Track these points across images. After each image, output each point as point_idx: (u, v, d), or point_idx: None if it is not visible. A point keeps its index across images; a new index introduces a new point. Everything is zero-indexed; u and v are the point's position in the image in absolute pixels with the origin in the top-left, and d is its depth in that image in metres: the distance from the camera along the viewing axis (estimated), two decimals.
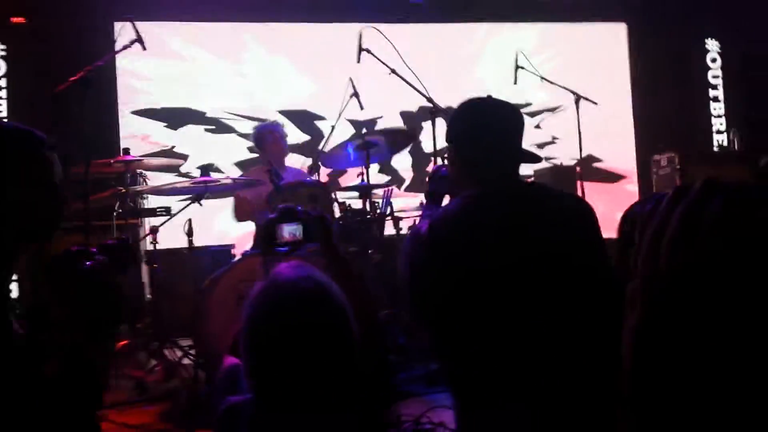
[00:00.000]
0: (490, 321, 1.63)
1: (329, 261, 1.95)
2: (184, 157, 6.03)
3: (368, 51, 4.18)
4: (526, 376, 1.61)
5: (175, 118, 6.28)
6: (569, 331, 1.62)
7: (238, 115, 6.40)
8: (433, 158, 4.33)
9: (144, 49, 3.87)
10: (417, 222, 2.21)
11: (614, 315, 1.68)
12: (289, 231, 2.06)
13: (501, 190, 1.78)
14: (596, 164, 6.94)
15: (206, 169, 3.86)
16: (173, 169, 5.71)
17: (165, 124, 6.26)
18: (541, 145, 6.88)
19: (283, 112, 6.34)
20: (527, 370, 1.61)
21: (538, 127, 6.91)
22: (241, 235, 5.10)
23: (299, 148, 6.30)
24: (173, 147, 6.21)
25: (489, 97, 1.93)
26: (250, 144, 5.51)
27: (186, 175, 5.79)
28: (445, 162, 2.05)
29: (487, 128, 1.83)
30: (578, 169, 5.04)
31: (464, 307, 1.65)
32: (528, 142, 1.94)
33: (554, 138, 6.91)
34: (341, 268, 1.91)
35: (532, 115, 6.86)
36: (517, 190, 1.83)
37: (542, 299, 1.63)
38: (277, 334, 1.36)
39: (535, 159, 1.97)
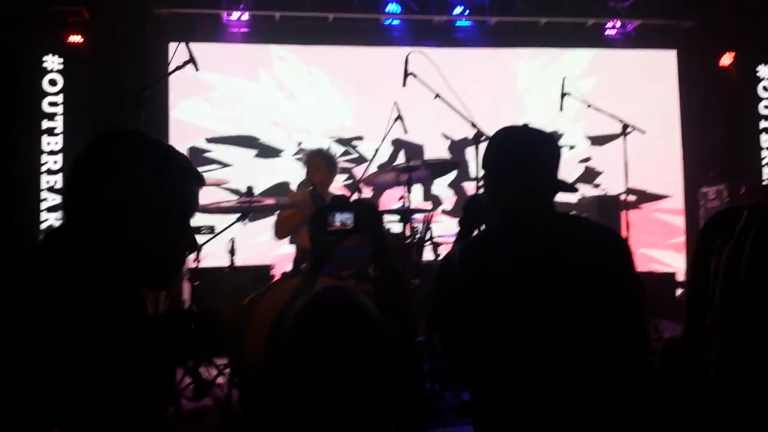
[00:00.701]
0: (517, 351, 1.63)
1: (376, 251, 1.99)
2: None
3: (414, 75, 4.22)
4: (550, 407, 1.60)
5: (226, 142, 6.43)
6: (594, 362, 1.62)
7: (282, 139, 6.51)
8: (476, 183, 4.32)
9: (197, 69, 3.97)
10: (450, 249, 2.22)
11: (636, 347, 1.68)
12: (341, 219, 2.08)
13: (533, 220, 1.78)
14: (642, 195, 6.82)
15: (251, 189, 3.93)
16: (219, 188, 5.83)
17: (215, 148, 6.40)
18: (586, 177, 6.81)
19: (333, 139, 6.43)
20: (552, 401, 1.60)
21: (585, 160, 6.85)
22: (280, 256, 5.16)
23: (344, 171, 6.36)
24: (224, 166, 6.33)
25: (525, 125, 1.93)
26: (298, 165, 5.59)
27: (236, 192, 5.89)
28: (481, 190, 2.05)
29: (522, 156, 1.83)
30: (624, 198, 4.96)
31: (490, 336, 1.65)
32: (574, 173, 1.94)
33: (596, 169, 6.82)
34: (388, 260, 1.93)
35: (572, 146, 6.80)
36: (550, 220, 1.81)
37: (569, 330, 1.62)
38: (313, 352, 1.39)
39: (571, 189, 1.95)
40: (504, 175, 1.84)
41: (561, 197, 1.90)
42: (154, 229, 1.25)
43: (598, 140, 6.79)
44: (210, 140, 6.39)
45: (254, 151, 6.47)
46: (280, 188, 6.30)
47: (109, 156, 1.26)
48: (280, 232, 4.57)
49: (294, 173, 6.32)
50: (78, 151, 1.27)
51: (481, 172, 1.95)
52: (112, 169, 1.24)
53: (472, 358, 1.71)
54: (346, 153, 6.53)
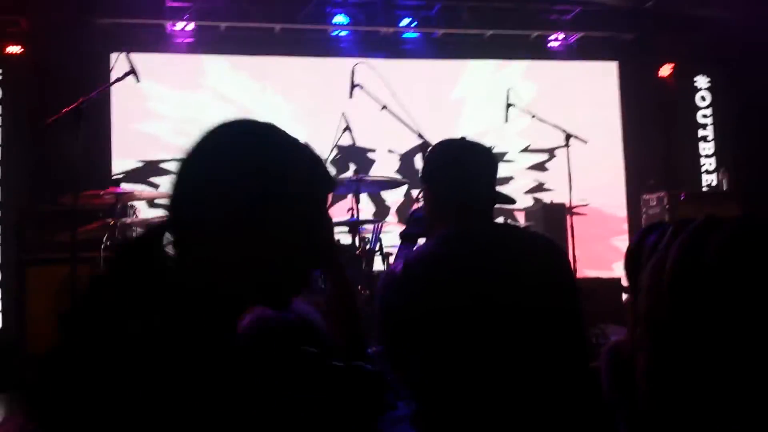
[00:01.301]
0: (462, 360, 1.65)
1: (326, 263, 1.98)
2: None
3: (360, 86, 4.23)
4: (495, 416, 1.62)
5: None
6: (536, 371, 1.64)
7: None
8: (416, 196, 4.37)
9: (138, 81, 3.90)
10: (393, 263, 2.23)
11: (580, 354, 1.72)
12: None
13: (474, 231, 1.80)
14: (586, 202, 6.98)
15: None
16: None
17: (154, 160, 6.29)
18: (534, 188, 6.93)
19: None
20: (497, 410, 1.62)
21: (532, 167, 6.97)
22: None
23: None
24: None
25: (463, 138, 1.96)
26: None
27: None
28: (421, 203, 2.08)
29: (460, 169, 1.86)
30: (568, 206, 5.06)
31: (435, 347, 1.66)
32: (521, 181, 1.98)
33: (541, 180, 6.96)
34: (338, 272, 1.87)
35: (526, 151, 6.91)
36: (489, 232, 1.85)
37: (513, 338, 1.64)
38: (261, 367, 1.40)
39: (509, 201, 1.98)
40: (442, 188, 1.87)
41: (508, 206, 1.94)
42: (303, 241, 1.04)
43: (542, 150, 6.92)
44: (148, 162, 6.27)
45: None
46: None
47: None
48: None
49: None
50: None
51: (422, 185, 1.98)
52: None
53: (415, 369, 1.72)
54: None
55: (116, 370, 0.81)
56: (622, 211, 7.14)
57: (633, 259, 1.63)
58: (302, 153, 1.09)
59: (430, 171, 1.91)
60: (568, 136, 4.80)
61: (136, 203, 4.68)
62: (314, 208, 1.06)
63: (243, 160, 1.00)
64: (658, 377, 0.78)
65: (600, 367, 1.63)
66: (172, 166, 1.02)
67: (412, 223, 2.27)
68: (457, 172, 1.85)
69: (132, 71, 3.87)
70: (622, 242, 6.96)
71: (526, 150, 6.96)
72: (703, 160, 7.22)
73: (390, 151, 6.67)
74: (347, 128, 4.37)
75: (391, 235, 4.72)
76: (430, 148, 1.97)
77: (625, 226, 7.08)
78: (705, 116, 7.28)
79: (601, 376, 1.62)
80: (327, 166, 1.15)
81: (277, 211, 0.98)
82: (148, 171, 6.22)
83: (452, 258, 1.73)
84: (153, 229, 1.00)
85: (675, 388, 0.75)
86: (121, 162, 6.17)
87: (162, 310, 0.87)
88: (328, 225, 1.30)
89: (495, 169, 1.91)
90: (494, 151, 2.04)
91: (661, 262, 0.78)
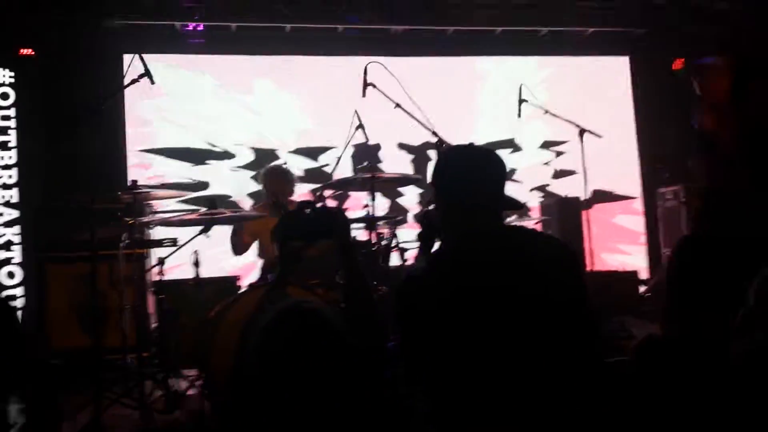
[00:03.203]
0: (480, 358, 1.69)
1: (343, 259, 2.03)
2: (193, 188, 6.09)
3: (373, 85, 4.23)
4: (511, 412, 1.65)
5: (184, 153, 6.36)
6: (551, 366, 1.69)
7: (245, 147, 6.47)
8: (428, 199, 4.38)
9: (152, 83, 3.91)
10: (413, 262, 2.33)
11: (592, 352, 1.76)
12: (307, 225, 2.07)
13: (484, 234, 1.87)
14: (602, 196, 6.97)
15: (213, 201, 3.88)
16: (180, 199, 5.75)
17: (170, 157, 6.33)
18: (555, 175, 6.93)
19: (292, 150, 6.41)
20: (512, 406, 1.65)
21: (546, 164, 6.97)
22: (246, 266, 5.11)
23: (305, 179, 6.35)
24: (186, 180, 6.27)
25: (471, 144, 2.09)
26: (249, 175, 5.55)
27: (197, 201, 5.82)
28: (432, 206, 2.15)
29: (468, 174, 1.94)
30: (583, 200, 5.05)
31: (455, 346, 1.70)
32: (536, 177, 2.02)
33: (559, 171, 6.95)
34: (355, 268, 2.01)
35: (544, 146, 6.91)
36: (500, 234, 1.92)
37: (529, 334, 1.70)
38: (280, 363, 1.43)
39: (517, 206, 2.05)
40: (452, 193, 1.95)
41: (525, 201, 1.98)
42: None
43: (556, 145, 6.91)
44: (156, 151, 6.30)
45: (211, 162, 6.41)
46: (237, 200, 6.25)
47: None
48: (237, 249, 4.60)
49: (249, 184, 6.29)
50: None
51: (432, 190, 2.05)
52: None
53: (434, 367, 1.75)
54: (306, 163, 6.51)
55: None
56: (638, 204, 7.12)
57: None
58: None
59: (440, 176, 1.99)
60: (581, 131, 4.80)
61: (152, 202, 4.71)
62: None
63: None
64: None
65: (631, 361, 1.65)
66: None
67: (427, 224, 2.32)
68: (466, 177, 1.94)
69: (146, 73, 3.90)
70: (639, 235, 6.95)
71: (539, 146, 6.95)
72: None
73: (402, 148, 6.67)
74: (360, 126, 4.38)
75: (406, 232, 4.74)
76: (438, 155, 2.04)
77: (641, 219, 7.06)
78: None
79: (631, 368, 1.63)
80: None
81: None
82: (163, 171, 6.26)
83: (469, 259, 1.80)
84: None
85: None
86: (135, 160, 6.21)
87: None
88: None
89: (503, 174, 1.98)
90: (511, 145, 2.13)
91: None
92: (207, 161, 6.40)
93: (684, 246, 1.71)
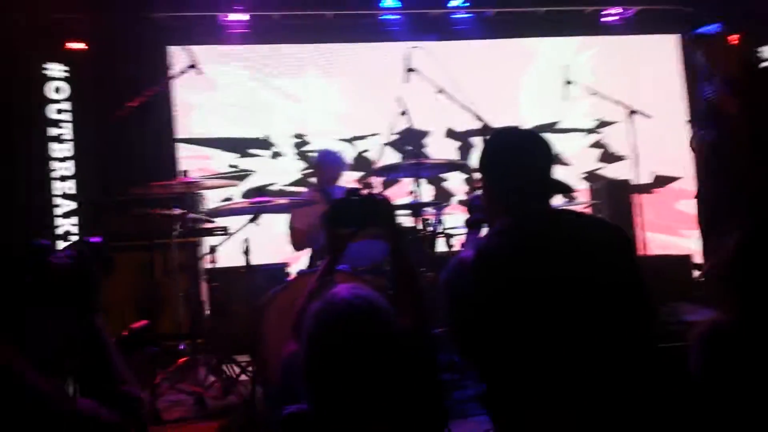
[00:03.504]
0: (533, 343, 1.67)
1: (391, 245, 2.06)
2: (241, 178, 6.19)
3: (415, 70, 4.22)
4: (567, 400, 1.63)
5: (230, 143, 6.45)
6: (607, 352, 1.66)
7: (290, 138, 6.54)
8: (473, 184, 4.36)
9: (199, 73, 3.98)
10: (461, 248, 2.31)
11: (649, 337, 1.73)
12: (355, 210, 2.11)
13: (534, 218, 1.84)
14: (653, 178, 6.83)
15: (260, 190, 3.95)
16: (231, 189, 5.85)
17: (220, 149, 6.43)
18: (604, 158, 6.82)
19: (339, 137, 6.46)
20: (567, 394, 1.63)
21: (594, 145, 6.86)
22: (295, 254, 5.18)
23: (351, 167, 6.39)
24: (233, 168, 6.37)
25: (516, 127, 2.05)
26: (303, 165, 5.59)
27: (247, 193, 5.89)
28: (479, 191, 2.13)
29: (515, 158, 1.91)
30: (636, 184, 4.97)
31: (507, 331, 1.69)
32: (584, 160, 1.99)
33: (610, 153, 6.84)
34: (402, 254, 2.03)
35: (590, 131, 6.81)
36: (550, 218, 1.88)
37: (582, 320, 1.67)
38: (331, 350, 1.46)
39: (566, 189, 2.01)
40: (498, 177, 1.92)
41: (574, 185, 1.95)
42: None
43: (604, 125, 6.80)
44: (200, 141, 6.41)
45: (259, 152, 6.49)
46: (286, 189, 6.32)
47: None
48: (296, 245, 4.61)
49: (298, 173, 6.35)
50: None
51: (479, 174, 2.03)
52: None
53: (486, 352, 1.74)
54: (352, 150, 6.54)
55: None
56: (690, 185, 6.96)
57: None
58: None
59: (486, 161, 1.96)
60: (631, 112, 4.71)
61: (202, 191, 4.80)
62: None
63: None
64: None
65: (691, 347, 1.61)
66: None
67: (474, 210, 2.31)
68: (512, 161, 1.91)
69: (193, 65, 3.96)
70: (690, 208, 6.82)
71: (587, 128, 6.84)
72: None
73: (448, 135, 6.65)
74: (404, 112, 4.38)
75: (452, 217, 4.73)
76: (485, 139, 2.02)
77: (694, 202, 6.89)
78: None
79: (693, 355, 1.59)
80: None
81: None
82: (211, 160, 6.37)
83: (520, 245, 1.76)
84: None
85: None
86: (184, 152, 6.33)
87: None
88: None
89: (551, 156, 1.93)
90: (556, 127, 2.10)
91: None
92: (252, 150, 6.48)
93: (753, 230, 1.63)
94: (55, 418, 1.29)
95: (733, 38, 6.74)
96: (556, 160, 1.96)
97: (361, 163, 6.46)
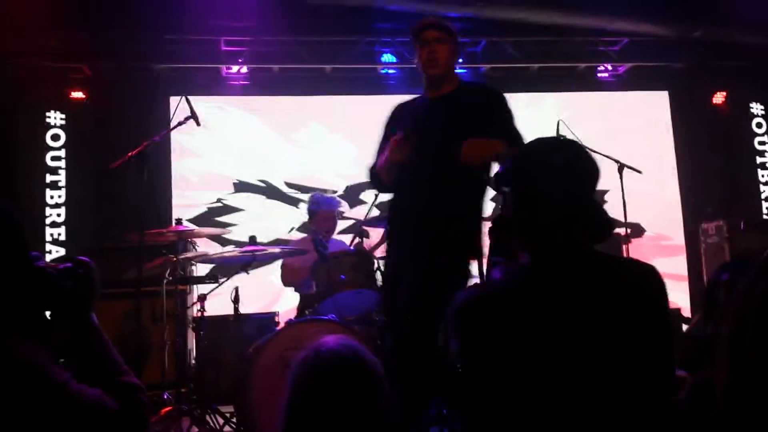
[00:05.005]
0: (537, 393, 1.51)
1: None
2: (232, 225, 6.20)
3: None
4: None
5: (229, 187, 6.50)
6: (621, 404, 1.49)
7: (290, 186, 6.59)
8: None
9: (198, 124, 4.03)
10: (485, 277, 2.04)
11: (667, 390, 1.59)
12: None
13: (570, 260, 1.51)
14: (643, 232, 6.86)
15: (253, 239, 3.96)
16: (223, 238, 5.86)
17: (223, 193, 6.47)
18: None
19: (333, 187, 6.51)
20: None
21: None
22: (284, 303, 5.16)
23: (346, 217, 6.41)
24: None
25: (557, 137, 1.72)
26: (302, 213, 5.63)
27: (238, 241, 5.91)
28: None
29: (551, 175, 1.52)
30: (623, 234, 4.99)
31: (523, 379, 1.51)
32: None
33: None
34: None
35: None
36: (582, 263, 1.52)
37: (593, 375, 1.48)
38: (314, 398, 1.46)
39: (607, 227, 1.57)
40: (529, 198, 1.55)
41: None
42: None
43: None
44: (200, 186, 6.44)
45: (258, 199, 6.53)
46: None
47: None
48: (285, 280, 4.62)
49: (294, 220, 6.38)
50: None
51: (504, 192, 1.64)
52: None
53: (486, 399, 1.62)
54: (347, 199, 6.58)
55: None
56: (680, 241, 6.99)
57: (710, 296, 1.67)
58: None
59: (515, 176, 1.58)
60: (621, 167, 4.76)
61: (196, 239, 4.81)
62: None
63: None
64: (739, 397, 0.80)
65: (685, 404, 1.55)
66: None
67: (496, 234, 2.00)
68: (548, 178, 1.52)
69: (192, 116, 4.02)
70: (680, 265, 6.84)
71: None
72: (762, 188, 7.04)
73: None
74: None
75: None
76: (518, 150, 1.77)
77: (684, 257, 6.92)
78: (762, 143, 7.13)
79: (683, 409, 1.54)
80: None
81: None
82: (211, 211, 6.40)
83: (552, 287, 1.50)
84: None
85: (755, 408, 0.77)
86: (179, 200, 6.36)
87: None
88: None
89: (594, 176, 1.55)
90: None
91: (750, 290, 0.81)
92: (246, 193, 6.51)
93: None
94: (73, 408, 1.37)
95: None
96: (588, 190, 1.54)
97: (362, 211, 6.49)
